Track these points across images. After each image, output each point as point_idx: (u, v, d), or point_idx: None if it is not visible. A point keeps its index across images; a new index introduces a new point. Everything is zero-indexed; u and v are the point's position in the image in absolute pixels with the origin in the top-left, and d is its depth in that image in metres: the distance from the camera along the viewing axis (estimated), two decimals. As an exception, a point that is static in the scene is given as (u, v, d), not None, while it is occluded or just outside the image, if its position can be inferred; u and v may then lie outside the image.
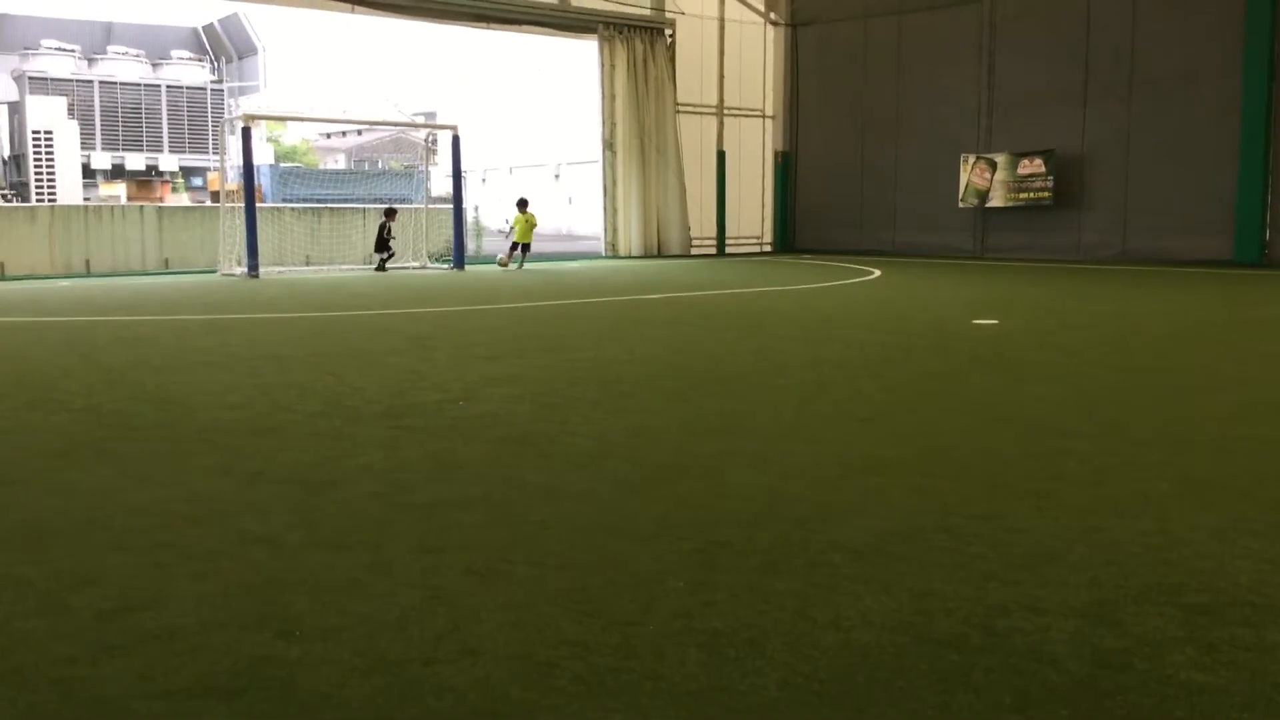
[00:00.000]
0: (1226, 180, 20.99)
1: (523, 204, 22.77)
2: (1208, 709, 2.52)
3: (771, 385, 7.43)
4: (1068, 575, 3.44)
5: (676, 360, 8.70)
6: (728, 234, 28.08)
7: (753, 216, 28.85)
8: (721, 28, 27.43)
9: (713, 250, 27.69)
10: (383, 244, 21.31)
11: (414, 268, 21.98)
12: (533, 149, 47.48)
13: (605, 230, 26.35)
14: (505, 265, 22.09)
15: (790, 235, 28.95)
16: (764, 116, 28.73)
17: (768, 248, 29.04)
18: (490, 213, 42.19)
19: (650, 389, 7.27)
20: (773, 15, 28.39)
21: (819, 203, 28.28)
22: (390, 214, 21.66)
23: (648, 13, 26.00)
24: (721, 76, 27.55)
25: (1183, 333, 10.84)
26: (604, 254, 26.18)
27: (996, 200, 24.29)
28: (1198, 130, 21.39)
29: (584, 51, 26.70)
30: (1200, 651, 2.84)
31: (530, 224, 22.51)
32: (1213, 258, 21.06)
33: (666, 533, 3.94)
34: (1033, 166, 23.62)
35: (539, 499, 4.43)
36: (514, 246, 22.43)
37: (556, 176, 47.44)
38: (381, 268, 21.10)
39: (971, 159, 24.70)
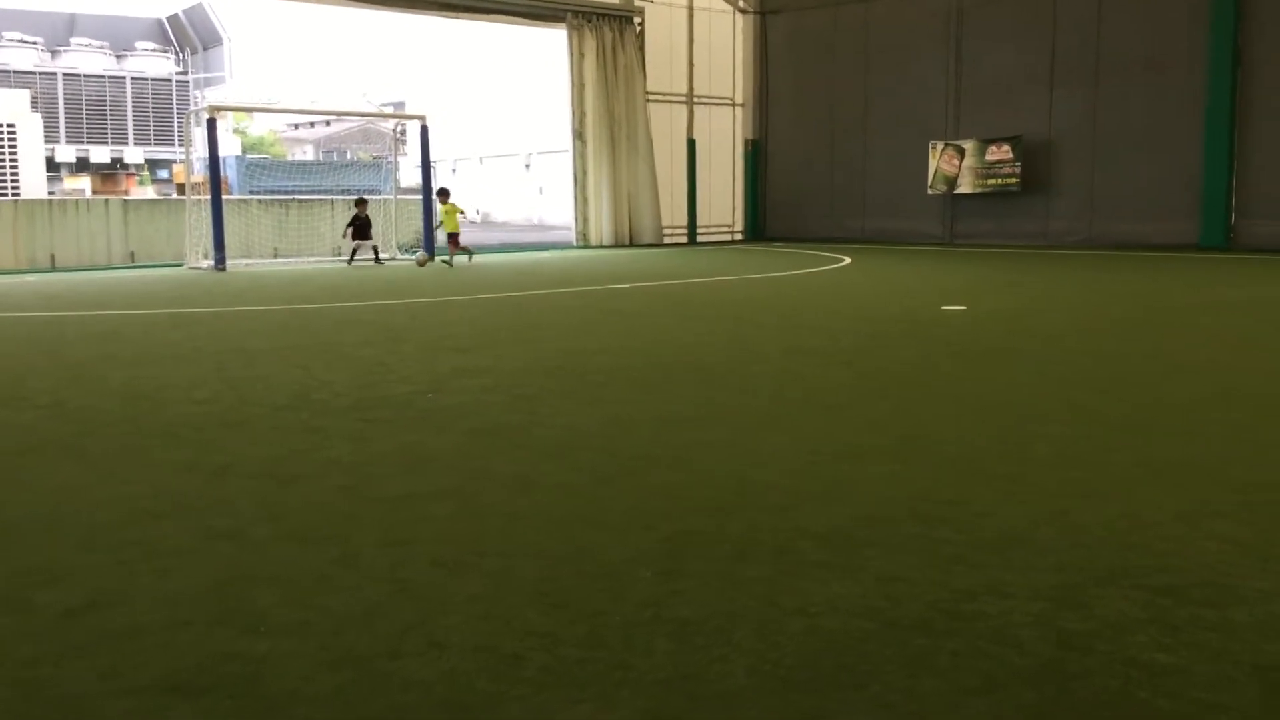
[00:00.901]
0: (1192, 165, 21.16)
1: (444, 194, 21.39)
2: (1170, 689, 2.55)
3: (743, 374, 7.44)
4: (1034, 559, 3.46)
5: (648, 350, 8.70)
6: (699, 223, 28.07)
7: (724, 205, 28.85)
8: (691, 16, 27.37)
9: (684, 239, 27.68)
10: (363, 232, 20.71)
11: (384, 259, 21.84)
12: (503, 138, 47.28)
13: (576, 220, 26.28)
14: (425, 263, 20.26)
15: (761, 223, 28.98)
16: (734, 104, 28.71)
17: (739, 236, 29.06)
18: (461, 203, 41.96)
19: (622, 379, 7.27)
20: (742, 3, 28.37)
21: (789, 190, 28.31)
22: (361, 203, 21.21)
23: (616, 1, 25.92)
24: (691, 65, 27.49)
25: (1149, 317, 10.94)
26: (575, 244, 26.13)
27: (965, 187, 24.40)
28: (1164, 116, 21.54)
29: (553, 40, 26.60)
30: (1163, 633, 2.86)
31: (453, 213, 20.87)
32: (1179, 242, 21.24)
33: (637, 523, 3.94)
34: (1000, 153, 23.74)
35: (510, 490, 4.42)
36: (451, 239, 20.68)
37: (527, 166, 47.29)
38: (377, 259, 20.66)
39: (940, 146, 24.78)
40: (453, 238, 20.63)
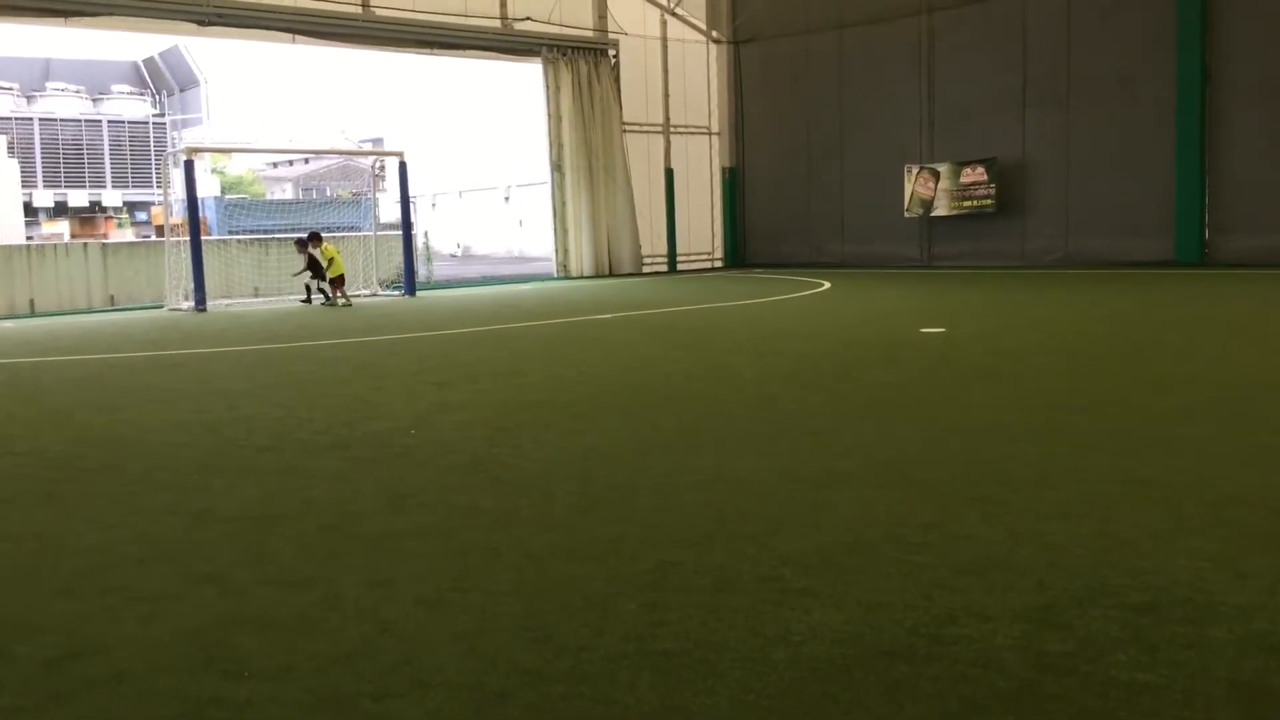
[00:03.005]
0: (1166, 181, 21.38)
1: (315, 238, 20.18)
2: (1149, 708, 2.57)
3: (723, 401, 7.46)
4: (1013, 580, 3.49)
5: (629, 379, 8.72)
6: (679, 251, 28.18)
7: (703, 233, 28.99)
8: (665, 47, 27.60)
9: (664, 267, 27.77)
10: (320, 271, 19.96)
11: (364, 295, 21.86)
12: (482, 172, 47.44)
13: (556, 251, 26.36)
14: (349, 302, 19.67)
15: (741, 250, 29.11)
16: (710, 133, 28.90)
17: (719, 263, 29.17)
18: (441, 237, 42.06)
19: (602, 409, 7.29)
20: (715, 33, 28.61)
21: (768, 217, 28.46)
22: (314, 239, 20.29)
23: (590, 34, 26.09)
24: (666, 95, 27.70)
25: (1123, 335, 11.02)
26: (556, 275, 26.19)
27: (941, 209, 24.58)
28: (1135, 134, 21.78)
29: (529, 74, 26.74)
30: (1142, 651, 2.89)
31: (334, 256, 19.93)
32: (1155, 259, 21.43)
33: (618, 554, 3.95)
34: (975, 175, 23.94)
35: (490, 525, 4.42)
36: (336, 282, 19.72)
37: (506, 199, 47.43)
38: (329, 298, 19.82)
39: (915, 169, 24.98)
40: (338, 280, 19.71)
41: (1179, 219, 21.31)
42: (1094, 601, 3.27)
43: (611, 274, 26.18)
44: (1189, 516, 4.17)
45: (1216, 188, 21.01)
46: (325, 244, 20.17)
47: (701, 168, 28.78)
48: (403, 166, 22.16)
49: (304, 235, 20.61)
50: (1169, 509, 4.29)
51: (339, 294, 19.77)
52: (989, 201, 23.76)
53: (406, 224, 22.23)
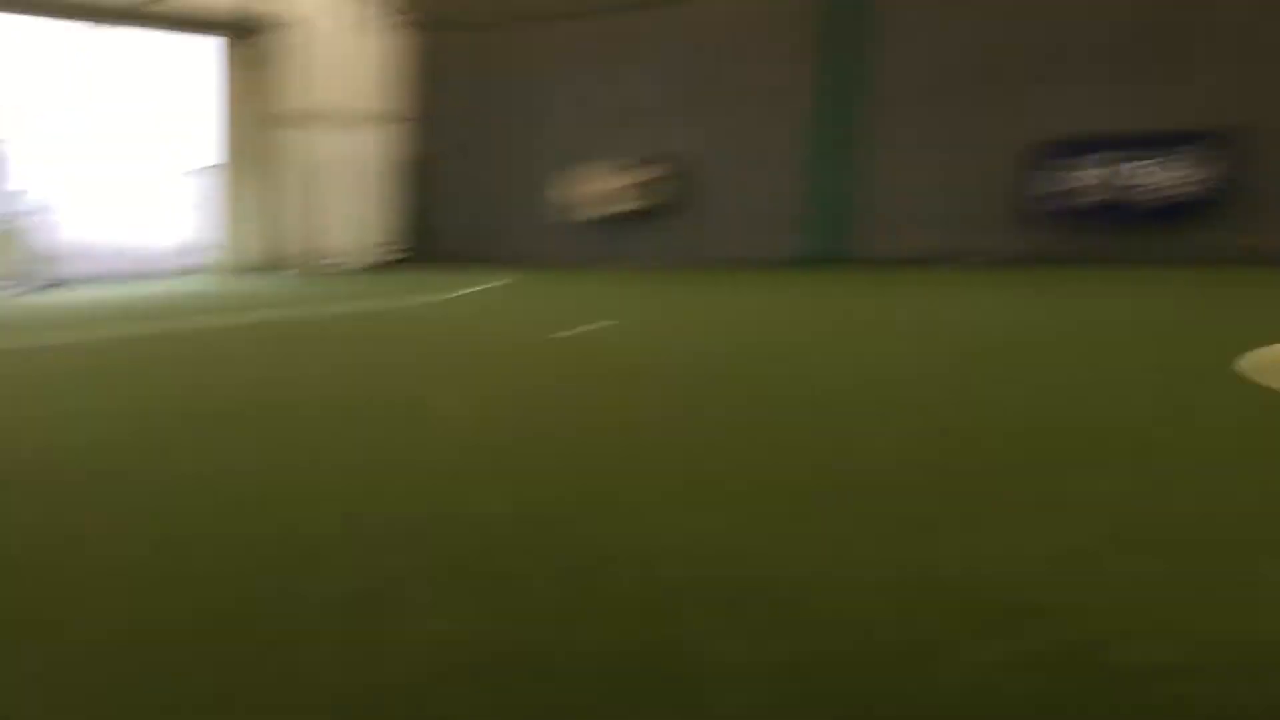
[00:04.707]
0: (809, 183, 22.78)
1: None
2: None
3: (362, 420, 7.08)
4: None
5: (205, 398, 8.16)
6: (345, 246, 27.05)
7: (373, 226, 27.97)
8: (340, 33, 26.23)
9: (337, 263, 26.62)
10: None
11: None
12: (130, 159, 43.66)
13: (212, 245, 24.85)
14: None
15: (419, 244, 28.22)
16: (386, 123, 27.89)
17: (399, 257, 28.13)
18: (77, 229, 38.58)
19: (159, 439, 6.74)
20: (394, 19, 27.64)
21: (448, 211, 27.77)
22: None
23: (255, 13, 24.54)
24: (343, 82, 26.27)
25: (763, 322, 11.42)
26: (211, 270, 24.64)
27: (612, 208, 25.03)
28: (772, 137, 23.09)
29: (187, 55, 24.94)
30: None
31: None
32: (802, 255, 22.61)
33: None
34: (639, 176, 24.60)
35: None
36: None
37: (160, 189, 44.02)
38: None
39: (588, 168, 25.28)
40: None
41: (823, 218, 22.69)
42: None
43: (278, 269, 24.92)
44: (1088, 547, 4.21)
45: (863, 189, 22.41)
46: None
47: (375, 159, 27.80)
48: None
49: None
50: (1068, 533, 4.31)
51: None
52: (653, 202, 24.50)
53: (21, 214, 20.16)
